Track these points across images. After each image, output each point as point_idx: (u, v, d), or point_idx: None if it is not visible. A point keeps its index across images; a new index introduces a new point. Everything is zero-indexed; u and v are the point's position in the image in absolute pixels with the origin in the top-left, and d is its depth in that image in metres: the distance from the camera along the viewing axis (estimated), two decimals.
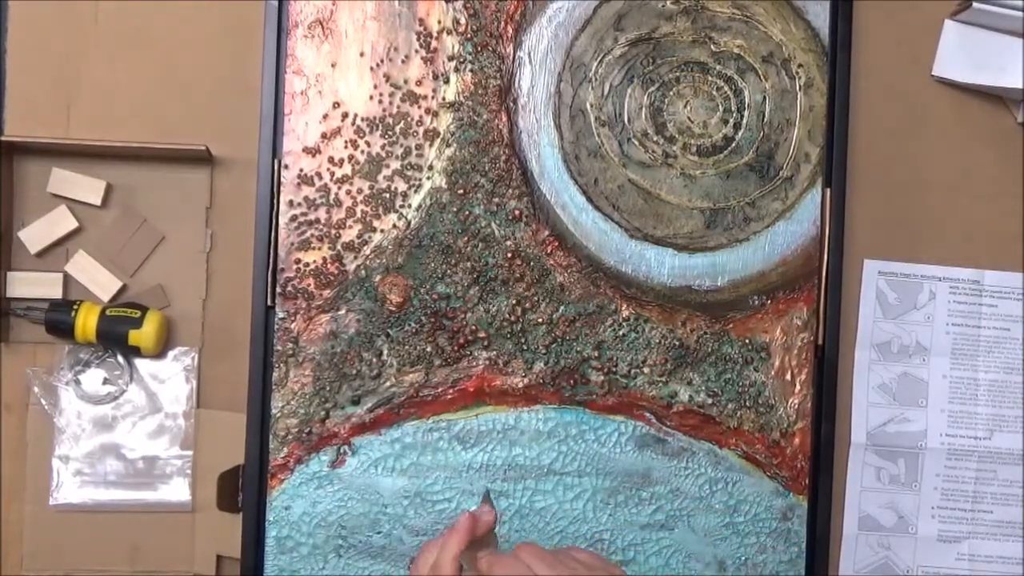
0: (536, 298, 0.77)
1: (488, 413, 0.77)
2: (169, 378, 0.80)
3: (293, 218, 0.75)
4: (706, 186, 0.78)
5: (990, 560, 0.85)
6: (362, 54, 0.76)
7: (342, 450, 0.76)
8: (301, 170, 0.75)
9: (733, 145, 0.79)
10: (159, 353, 0.79)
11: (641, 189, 0.78)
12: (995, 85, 0.83)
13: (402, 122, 0.76)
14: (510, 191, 0.77)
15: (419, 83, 0.76)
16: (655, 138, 0.78)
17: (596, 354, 0.77)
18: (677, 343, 0.78)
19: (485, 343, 0.77)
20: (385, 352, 0.76)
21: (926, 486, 0.85)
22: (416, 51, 0.76)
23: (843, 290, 0.80)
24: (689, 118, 0.78)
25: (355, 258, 0.76)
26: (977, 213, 0.85)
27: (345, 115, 0.76)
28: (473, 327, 0.77)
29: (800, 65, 0.79)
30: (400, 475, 0.76)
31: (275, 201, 0.75)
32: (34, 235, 0.78)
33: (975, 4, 0.80)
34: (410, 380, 0.76)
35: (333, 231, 0.76)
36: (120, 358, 0.79)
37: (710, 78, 0.79)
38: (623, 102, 0.78)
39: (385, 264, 0.76)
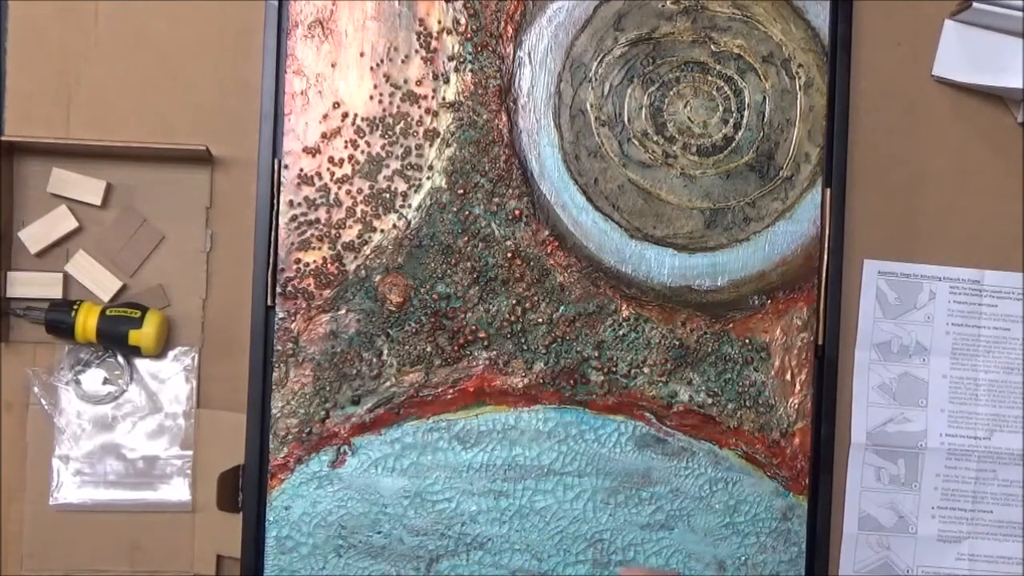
0: (536, 298, 0.77)
1: (488, 413, 0.77)
2: (169, 378, 0.80)
3: (293, 218, 0.75)
4: (706, 186, 0.78)
5: (990, 560, 0.85)
6: (362, 54, 0.76)
7: (342, 450, 0.76)
8: (301, 170, 0.75)
9: (733, 145, 0.79)
10: (159, 353, 0.79)
11: (641, 189, 0.78)
12: (995, 85, 0.83)
13: (402, 122, 0.76)
14: (510, 191, 0.77)
15: (419, 83, 0.76)
16: (655, 138, 0.78)
17: (596, 354, 0.77)
18: (677, 343, 0.78)
19: (485, 343, 0.77)
20: (385, 352, 0.76)
21: (926, 486, 0.85)
22: (416, 51, 0.76)
23: (843, 290, 0.80)
24: (689, 118, 0.78)
25: (355, 258, 0.76)
26: (977, 213, 0.85)
27: (345, 115, 0.76)
28: (473, 327, 0.77)
29: (800, 65, 0.79)
30: (400, 475, 0.76)
31: (275, 201, 0.75)
32: (34, 235, 0.78)
33: (975, 4, 0.80)
34: (410, 380, 0.76)
35: (333, 231, 0.76)
36: (120, 358, 0.79)
37: (710, 78, 0.79)
38: (623, 102, 0.78)
39: (385, 264, 0.76)
